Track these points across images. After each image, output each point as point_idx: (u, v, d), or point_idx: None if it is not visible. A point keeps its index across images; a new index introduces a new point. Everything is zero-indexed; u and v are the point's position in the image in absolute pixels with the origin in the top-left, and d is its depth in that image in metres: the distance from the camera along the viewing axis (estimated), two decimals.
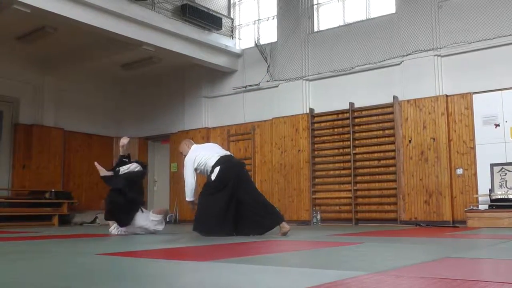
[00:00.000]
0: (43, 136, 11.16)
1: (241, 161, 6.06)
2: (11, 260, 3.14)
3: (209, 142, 11.69)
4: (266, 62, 10.79)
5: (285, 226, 5.32)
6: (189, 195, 5.79)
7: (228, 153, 5.97)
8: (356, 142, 9.58)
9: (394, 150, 9.09)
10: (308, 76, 10.25)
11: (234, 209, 5.45)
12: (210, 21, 10.78)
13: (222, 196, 5.46)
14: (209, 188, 5.64)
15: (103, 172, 6.23)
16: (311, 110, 10.12)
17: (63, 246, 4.46)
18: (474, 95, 8.41)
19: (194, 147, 6.00)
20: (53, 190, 10.59)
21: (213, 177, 5.59)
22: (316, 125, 10.10)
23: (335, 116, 9.91)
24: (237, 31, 11.86)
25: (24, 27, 9.38)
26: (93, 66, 11.24)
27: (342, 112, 9.77)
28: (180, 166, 12.04)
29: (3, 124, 10.78)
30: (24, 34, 9.72)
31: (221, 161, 5.65)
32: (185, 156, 5.97)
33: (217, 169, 5.59)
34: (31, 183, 10.78)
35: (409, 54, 9.04)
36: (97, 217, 10.73)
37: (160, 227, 6.29)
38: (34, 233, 6.74)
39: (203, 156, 5.74)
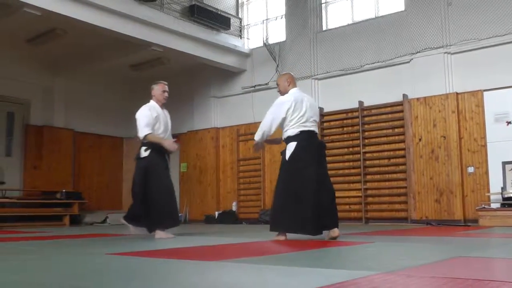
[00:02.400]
0: (53, 137, 11.24)
1: (322, 142, 4.89)
2: (22, 259, 3.17)
3: (218, 142, 11.72)
4: (275, 61, 10.77)
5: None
6: (259, 135, 4.83)
7: (313, 128, 4.76)
8: (366, 141, 9.53)
9: (404, 149, 9.04)
10: (317, 75, 10.22)
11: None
12: (219, 21, 10.79)
13: (305, 179, 4.52)
14: (285, 171, 4.69)
15: None
16: (320, 109, 10.07)
17: (73, 246, 4.49)
18: (485, 93, 8.33)
19: (295, 92, 4.88)
20: (64, 190, 10.66)
21: (287, 155, 4.65)
22: (325, 124, 10.07)
23: (344, 115, 9.87)
24: (245, 30, 11.86)
25: (34, 30, 9.46)
26: (103, 67, 11.30)
27: (352, 111, 9.73)
28: (190, 166, 12.10)
29: (15, 126, 10.88)
30: (34, 37, 9.80)
31: (301, 137, 4.65)
32: (279, 92, 5.00)
33: (292, 145, 4.64)
34: (42, 183, 10.87)
35: (419, 51, 8.98)
36: (107, 217, 10.80)
37: None
38: (45, 233, 6.79)
39: (297, 115, 4.67)
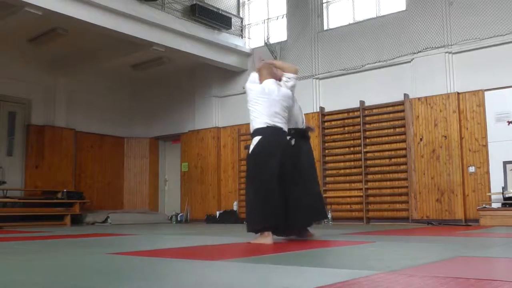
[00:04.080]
0: (55, 137, 11.25)
1: (290, 140, 4.60)
2: (23, 259, 3.17)
3: (220, 141, 11.72)
4: None
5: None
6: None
7: (281, 125, 4.44)
8: (367, 140, 9.53)
9: (405, 148, 9.03)
10: (318, 74, 10.22)
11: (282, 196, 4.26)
12: (220, 20, 10.79)
13: (269, 173, 4.23)
14: (250, 166, 4.40)
15: None
16: (322, 108, 10.09)
17: (74, 246, 4.49)
18: (486, 92, 8.33)
19: (264, 85, 4.58)
20: (65, 190, 10.66)
21: (251, 148, 4.37)
22: (326, 123, 10.07)
23: (345, 115, 9.87)
24: (246, 30, 11.86)
25: (35, 29, 9.47)
26: (104, 66, 11.31)
27: (353, 110, 9.72)
28: (191, 165, 12.11)
29: (16, 125, 10.89)
30: (35, 36, 9.81)
31: (267, 132, 4.35)
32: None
33: (256, 139, 4.35)
34: (44, 183, 10.88)
35: (420, 51, 8.98)
36: (108, 216, 10.80)
37: None
38: (46, 232, 6.80)
39: (261, 103, 4.44)
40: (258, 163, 4.28)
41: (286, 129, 4.53)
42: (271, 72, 4.75)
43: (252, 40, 11.72)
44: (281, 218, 4.23)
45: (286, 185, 4.32)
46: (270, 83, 4.59)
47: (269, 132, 4.33)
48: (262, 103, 4.46)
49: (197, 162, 11.96)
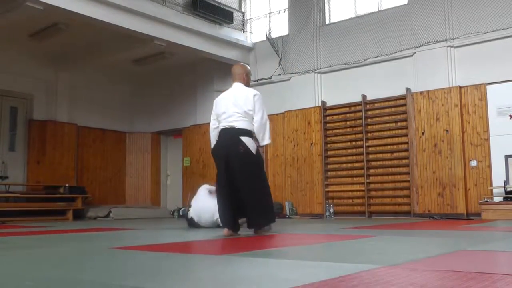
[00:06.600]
0: (57, 132, 11.27)
1: (235, 138, 4.55)
2: (25, 254, 3.19)
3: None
4: (278, 55, 10.76)
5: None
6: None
7: (233, 123, 4.62)
8: (369, 134, 9.53)
9: (407, 143, 9.03)
10: (320, 69, 10.21)
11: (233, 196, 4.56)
12: (221, 15, 10.77)
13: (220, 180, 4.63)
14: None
15: None
16: (323, 103, 10.09)
17: (77, 240, 4.51)
18: (488, 86, 8.31)
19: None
20: (67, 185, 10.70)
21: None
22: (328, 118, 10.07)
23: (347, 109, 9.86)
24: (248, 24, 11.83)
25: (36, 24, 9.45)
26: (106, 61, 11.30)
27: (355, 104, 9.72)
28: (193, 160, 12.11)
29: (18, 120, 10.91)
30: (37, 31, 9.80)
31: (219, 134, 4.70)
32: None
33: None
34: (46, 178, 10.90)
35: (422, 45, 8.95)
36: (111, 211, 10.82)
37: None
38: (49, 227, 6.83)
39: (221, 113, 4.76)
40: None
41: None
42: None
43: (254, 34, 11.70)
44: None
45: None
46: None
47: None
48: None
49: (199, 157, 11.96)
